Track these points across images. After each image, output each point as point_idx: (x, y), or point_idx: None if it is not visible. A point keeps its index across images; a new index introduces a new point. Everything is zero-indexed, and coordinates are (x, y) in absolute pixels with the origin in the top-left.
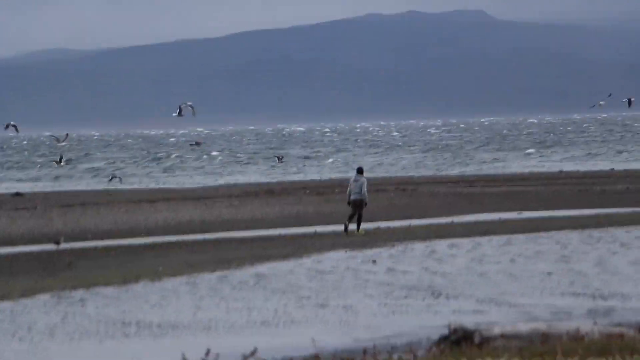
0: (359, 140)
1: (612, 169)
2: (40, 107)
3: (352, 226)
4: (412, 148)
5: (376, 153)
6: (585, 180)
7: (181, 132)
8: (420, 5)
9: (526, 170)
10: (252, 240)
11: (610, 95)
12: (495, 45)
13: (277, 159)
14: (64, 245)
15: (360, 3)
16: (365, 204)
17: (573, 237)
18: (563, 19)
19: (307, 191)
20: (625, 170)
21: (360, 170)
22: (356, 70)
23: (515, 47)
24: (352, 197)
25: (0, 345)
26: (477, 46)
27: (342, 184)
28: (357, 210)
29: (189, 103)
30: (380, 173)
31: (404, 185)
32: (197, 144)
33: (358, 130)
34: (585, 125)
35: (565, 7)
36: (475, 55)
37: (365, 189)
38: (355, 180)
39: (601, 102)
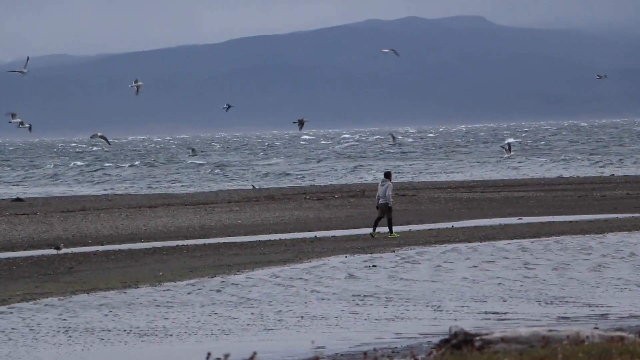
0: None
1: (612, 175)
2: (39, 112)
3: (381, 229)
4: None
5: (296, 161)
6: (585, 186)
7: (167, 138)
8: (420, 11)
9: (527, 176)
10: (252, 245)
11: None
12: (494, 51)
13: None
14: (64, 250)
15: (360, 9)
16: (388, 207)
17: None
18: (562, 25)
19: (307, 196)
20: (625, 176)
21: (386, 175)
22: (356, 76)
23: (514, 53)
24: (379, 201)
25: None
26: (476, 52)
27: (342, 189)
28: (384, 214)
29: (138, 84)
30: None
31: (404, 191)
32: (301, 123)
33: (343, 137)
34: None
35: (564, 13)
36: (475, 61)
37: (388, 192)
38: (381, 185)
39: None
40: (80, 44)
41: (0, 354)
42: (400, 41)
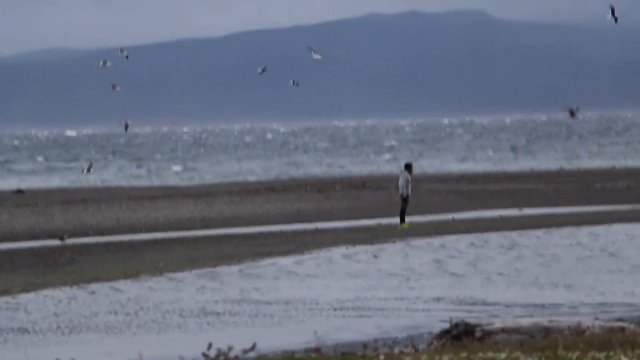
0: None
1: (614, 167)
2: (41, 106)
3: (408, 219)
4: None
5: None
6: (586, 178)
7: (151, 130)
8: (420, 5)
9: (527, 168)
10: (253, 236)
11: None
12: (495, 45)
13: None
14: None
15: (361, 3)
16: (403, 197)
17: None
18: (562, 19)
19: (308, 188)
20: (626, 168)
21: (405, 166)
22: (357, 69)
23: (515, 47)
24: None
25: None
26: (477, 45)
27: (343, 181)
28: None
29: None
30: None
31: None
32: (572, 112)
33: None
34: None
35: (564, 6)
36: (475, 55)
37: (401, 183)
38: (400, 175)
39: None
40: (81, 37)
41: None
42: (401, 35)
